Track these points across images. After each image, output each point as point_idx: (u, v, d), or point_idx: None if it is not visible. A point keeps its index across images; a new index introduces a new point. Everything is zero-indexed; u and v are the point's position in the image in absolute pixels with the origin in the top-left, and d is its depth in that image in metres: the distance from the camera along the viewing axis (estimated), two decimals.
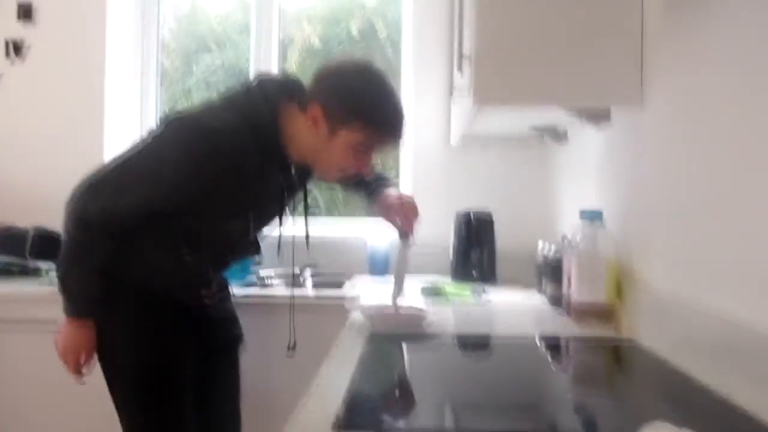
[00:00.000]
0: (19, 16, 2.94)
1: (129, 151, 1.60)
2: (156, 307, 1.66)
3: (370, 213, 1.95)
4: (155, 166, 1.54)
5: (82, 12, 2.95)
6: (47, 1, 2.96)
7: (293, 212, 1.80)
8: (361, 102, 1.56)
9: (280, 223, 1.75)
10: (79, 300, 1.62)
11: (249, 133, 1.54)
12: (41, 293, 2.30)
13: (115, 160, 1.59)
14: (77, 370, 1.66)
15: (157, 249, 1.64)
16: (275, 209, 1.73)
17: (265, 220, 1.76)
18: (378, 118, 1.56)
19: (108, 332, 1.65)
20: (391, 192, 1.87)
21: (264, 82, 1.64)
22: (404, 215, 1.80)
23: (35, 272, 2.61)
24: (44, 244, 2.67)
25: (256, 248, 1.84)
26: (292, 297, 1.96)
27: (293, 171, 1.69)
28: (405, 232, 1.79)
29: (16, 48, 2.95)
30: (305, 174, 1.74)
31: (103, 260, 1.59)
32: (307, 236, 1.83)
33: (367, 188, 1.91)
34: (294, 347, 1.89)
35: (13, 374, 2.31)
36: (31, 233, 2.69)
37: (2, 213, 2.85)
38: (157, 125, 1.61)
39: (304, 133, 1.59)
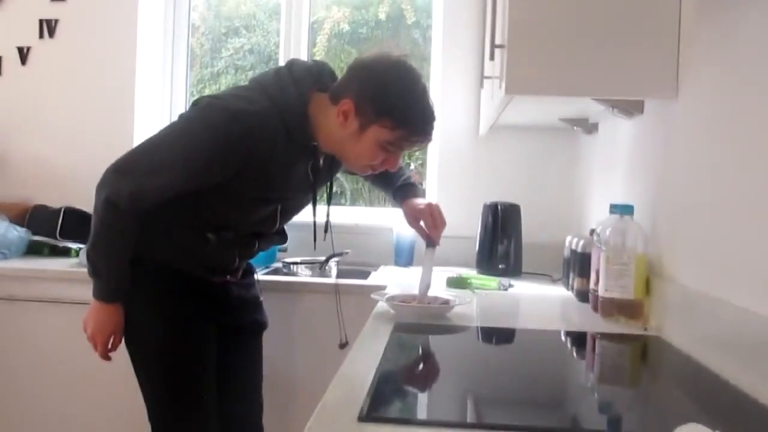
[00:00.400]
0: None
1: (159, 133, 1.61)
2: (181, 288, 1.68)
3: (395, 206, 1.95)
4: (185, 148, 1.54)
5: None
6: None
7: (318, 201, 1.80)
8: (393, 101, 1.55)
9: (314, 213, 1.75)
10: (109, 283, 1.64)
11: (277, 116, 1.55)
12: (71, 272, 2.33)
13: (145, 142, 1.60)
14: (105, 352, 1.68)
15: (183, 229, 1.66)
16: (303, 198, 1.74)
17: (293, 210, 1.77)
18: (409, 119, 1.56)
19: (133, 313, 1.67)
20: (419, 200, 1.87)
21: (294, 67, 1.64)
22: (433, 225, 1.81)
23: (65, 251, 2.65)
24: (74, 223, 2.71)
25: (283, 237, 1.86)
26: (338, 294, 1.95)
27: (321, 159, 1.69)
28: (432, 241, 1.81)
29: (50, 28, 2.97)
30: (334, 163, 1.75)
31: (132, 243, 1.61)
32: (327, 225, 1.84)
33: (392, 186, 1.93)
34: (345, 344, 1.89)
35: (43, 352, 2.35)
36: (61, 213, 2.73)
37: (33, 192, 2.90)
38: (187, 108, 1.62)
39: (333, 124, 1.59)
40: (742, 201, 1.19)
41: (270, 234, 1.80)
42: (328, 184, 1.82)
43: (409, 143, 1.60)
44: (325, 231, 1.84)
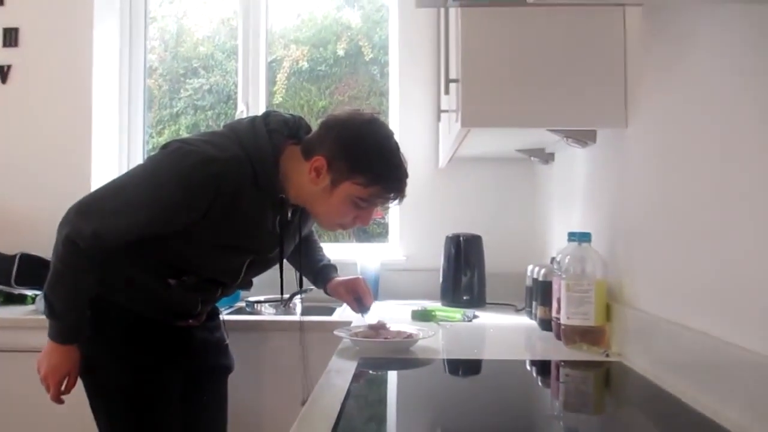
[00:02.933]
0: (5, 43, 2.93)
1: (125, 175, 1.61)
2: (142, 332, 1.65)
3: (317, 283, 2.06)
4: (151, 190, 1.53)
5: (68, 34, 2.94)
6: (32, 24, 2.95)
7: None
8: (366, 158, 1.55)
9: (281, 266, 1.72)
10: (66, 324, 1.60)
11: (248, 163, 1.53)
12: (27, 320, 2.28)
13: (110, 183, 1.59)
14: (57, 394, 1.63)
15: (144, 273, 1.63)
16: (271, 253, 1.70)
17: (261, 266, 1.75)
18: (383, 175, 1.56)
19: (94, 356, 1.63)
20: (339, 278, 2.00)
21: (271, 118, 1.63)
22: (368, 293, 1.94)
23: (21, 299, 2.58)
24: (30, 269, 2.64)
25: (248, 284, 1.84)
26: (303, 348, 1.96)
27: (289, 212, 1.68)
28: (366, 308, 1.94)
29: (2, 73, 2.93)
30: (303, 218, 1.75)
31: (91, 284, 1.58)
32: (300, 284, 1.87)
33: (314, 267, 2.01)
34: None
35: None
36: (16, 259, 2.67)
37: None
38: (154, 150, 1.60)
39: (305, 179, 1.58)
40: (695, 225, 1.22)
41: (234, 284, 1.77)
42: (298, 238, 1.79)
43: (382, 200, 1.60)
44: (300, 289, 1.88)
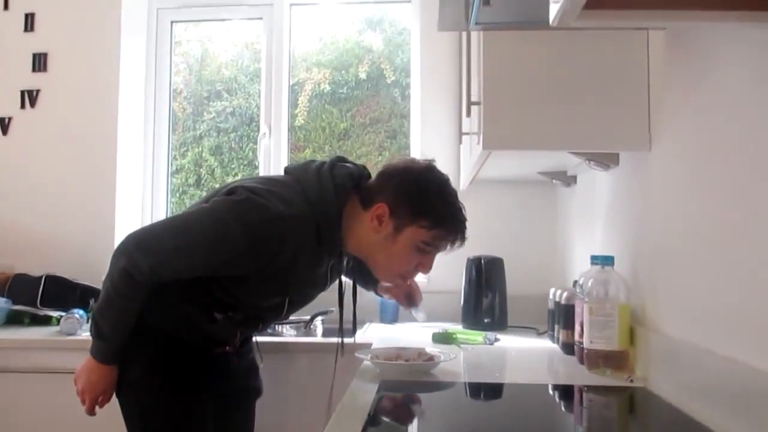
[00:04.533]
0: (34, 68, 3.00)
1: (188, 214, 1.63)
2: (181, 354, 1.68)
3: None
4: (214, 237, 1.54)
5: (95, 59, 3.00)
6: (61, 50, 3.02)
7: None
8: (428, 203, 1.59)
9: (340, 307, 1.80)
10: (109, 345, 1.64)
11: (312, 221, 1.56)
12: (52, 341, 2.30)
13: (171, 220, 1.65)
14: (92, 408, 1.67)
15: (192, 305, 1.66)
16: (316, 292, 1.77)
17: (302, 302, 1.80)
18: (447, 217, 1.60)
19: (132, 374, 1.66)
20: None
21: (336, 170, 1.64)
22: (414, 292, 1.98)
23: (46, 320, 2.60)
24: (56, 291, 2.67)
25: (285, 317, 1.86)
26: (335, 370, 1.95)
27: (345, 261, 1.72)
28: (415, 304, 1.99)
29: (31, 98, 3.00)
30: (356, 263, 1.79)
31: (138, 310, 1.61)
32: (354, 324, 1.91)
33: (361, 270, 1.97)
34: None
35: (25, 424, 2.29)
36: (42, 281, 2.70)
37: (14, 261, 2.87)
38: (219, 191, 1.62)
39: (366, 229, 1.61)
40: (720, 248, 1.21)
41: (275, 318, 1.83)
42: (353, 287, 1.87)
43: (444, 243, 1.62)
44: (354, 329, 1.95)
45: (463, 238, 1.65)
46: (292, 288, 1.66)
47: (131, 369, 1.66)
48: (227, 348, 1.78)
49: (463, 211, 1.65)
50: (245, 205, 1.53)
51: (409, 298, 1.97)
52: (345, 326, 1.89)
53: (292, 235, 1.53)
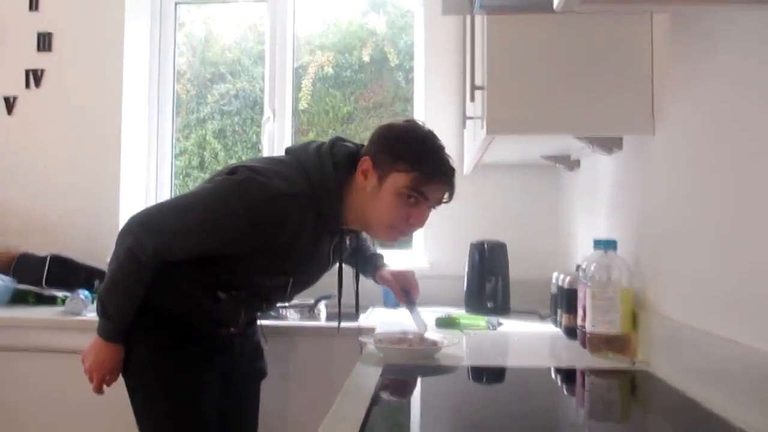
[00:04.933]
0: (39, 47, 2.99)
1: (191, 194, 1.65)
2: (185, 334, 1.70)
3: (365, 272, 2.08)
4: (217, 216, 1.56)
5: (100, 39, 3.01)
6: (65, 30, 3.01)
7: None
8: (408, 147, 1.60)
9: (339, 291, 1.81)
10: (114, 324, 1.66)
11: (313, 199, 1.58)
12: (57, 321, 2.31)
13: (175, 200, 1.67)
14: (100, 387, 1.70)
15: (195, 285, 1.68)
16: (318, 273, 1.78)
17: (306, 284, 1.81)
18: (423, 159, 1.59)
19: (138, 354, 1.69)
20: (390, 268, 2.05)
21: (336, 149, 1.65)
22: (415, 287, 1.98)
23: (51, 300, 2.62)
24: (60, 271, 2.69)
25: (289, 298, 1.87)
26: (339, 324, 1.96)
27: (347, 240, 1.73)
28: (411, 301, 1.97)
29: (36, 77, 3.00)
30: (358, 239, 1.83)
31: (144, 290, 1.64)
32: (357, 300, 1.89)
33: (363, 256, 2.03)
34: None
35: (30, 402, 2.31)
36: (47, 261, 2.71)
37: (19, 240, 2.88)
38: (222, 171, 1.64)
39: (358, 191, 1.62)
40: (722, 232, 1.21)
41: (278, 299, 1.86)
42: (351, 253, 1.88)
43: (427, 187, 1.60)
44: (357, 309, 1.92)
45: (448, 184, 1.63)
46: (295, 266, 1.67)
47: (136, 349, 1.69)
48: (232, 330, 1.79)
49: (447, 157, 1.64)
50: (247, 183, 1.55)
51: (407, 295, 1.96)
52: (348, 310, 1.90)
53: (293, 213, 1.54)
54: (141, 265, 1.59)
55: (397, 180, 1.58)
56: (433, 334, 1.81)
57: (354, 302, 1.90)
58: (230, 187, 1.57)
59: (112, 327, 1.66)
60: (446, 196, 1.65)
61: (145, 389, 1.69)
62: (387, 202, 1.59)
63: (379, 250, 2.18)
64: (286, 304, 2.52)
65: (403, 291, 1.98)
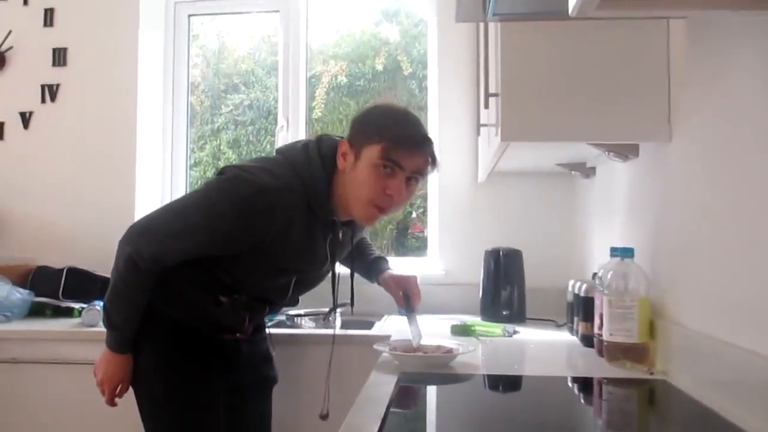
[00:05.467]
0: (54, 62, 3.03)
1: (183, 198, 1.68)
2: (190, 343, 1.71)
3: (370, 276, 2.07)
4: (207, 217, 1.58)
5: (114, 54, 3.02)
6: (79, 44, 3.04)
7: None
8: (377, 120, 1.62)
9: (333, 287, 1.79)
10: (121, 335, 1.68)
11: (301, 191, 1.59)
12: (74, 333, 2.32)
13: (169, 206, 1.68)
14: (112, 398, 1.72)
15: (196, 289, 1.69)
16: (319, 272, 1.76)
17: (309, 284, 1.80)
18: (394, 130, 1.58)
19: (143, 363, 1.70)
20: (393, 272, 2.03)
21: (323, 144, 1.67)
22: (417, 293, 1.96)
23: (68, 312, 2.63)
24: (77, 283, 2.70)
25: (295, 302, 1.87)
26: (330, 366, 1.95)
27: (340, 233, 1.72)
28: (411, 308, 1.93)
29: (51, 92, 3.03)
30: (354, 235, 1.80)
31: (147, 298, 1.66)
32: (352, 296, 1.88)
33: (366, 260, 2.03)
34: (326, 416, 1.87)
35: (47, 414, 2.32)
36: (63, 273, 2.73)
37: (35, 254, 2.91)
38: (213, 175, 1.66)
39: (339, 176, 1.62)
40: (741, 241, 1.20)
41: (282, 302, 1.83)
42: (349, 253, 1.86)
43: (401, 156, 1.56)
44: (352, 304, 1.89)
45: (420, 150, 1.59)
46: (291, 264, 1.67)
47: (141, 357, 1.70)
48: (238, 335, 1.79)
49: (419, 126, 1.63)
50: (234, 181, 1.57)
51: (407, 301, 1.94)
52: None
53: (281, 206, 1.55)
54: (141, 273, 1.61)
55: (371, 153, 1.57)
56: (448, 341, 1.80)
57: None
58: (218, 186, 1.60)
59: (118, 337, 1.68)
60: (425, 165, 1.62)
61: (152, 398, 1.70)
62: (363, 177, 1.58)
63: (392, 258, 2.17)
64: (301, 312, 2.52)
65: (404, 297, 1.96)
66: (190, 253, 1.61)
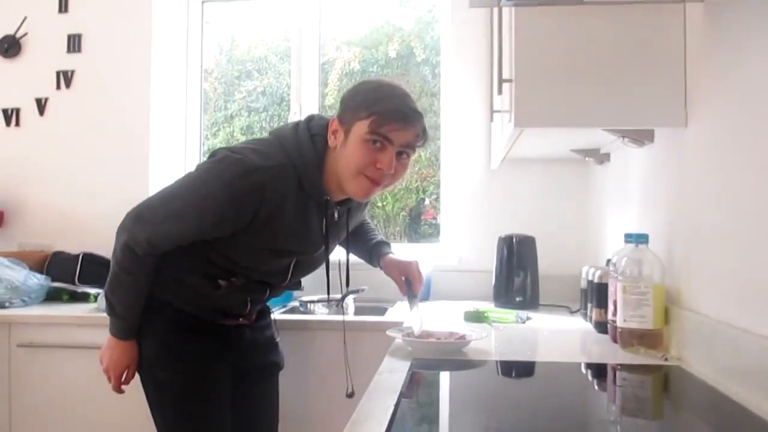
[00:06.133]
0: (69, 49, 3.04)
1: (176, 183, 1.66)
2: (193, 329, 1.72)
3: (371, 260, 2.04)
4: (199, 199, 1.58)
5: (128, 40, 3.04)
6: (94, 31, 3.05)
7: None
8: (364, 96, 1.60)
9: (327, 270, 1.78)
10: (124, 322, 1.69)
11: (292, 170, 1.58)
12: (90, 318, 2.35)
13: (162, 191, 1.66)
14: (118, 385, 1.73)
15: (194, 275, 1.69)
16: (317, 254, 1.75)
17: (307, 267, 1.79)
18: (380, 104, 1.57)
19: (147, 351, 1.72)
20: (395, 256, 1.98)
21: (313, 122, 1.67)
22: (418, 279, 1.92)
23: (84, 297, 2.66)
24: (93, 269, 2.73)
25: (297, 285, 1.87)
26: (344, 344, 1.94)
27: (335, 214, 1.71)
28: (413, 294, 1.90)
29: (66, 79, 3.04)
30: (350, 217, 1.78)
31: (146, 284, 1.67)
32: (348, 273, 1.85)
33: (367, 244, 2.01)
34: (352, 395, 1.87)
35: (63, 397, 2.35)
36: (79, 259, 2.76)
37: (52, 240, 2.94)
38: (203, 158, 1.65)
39: (331, 154, 1.62)
40: (757, 227, 1.19)
41: (282, 285, 1.81)
42: (346, 235, 1.83)
43: (389, 130, 1.55)
44: (348, 281, 1.84)
45: (408, 123, 1.57)
46: (286, 245, 1.65)
47: (144, 346, 1.72)
48: (240, 320, 1.80)
49: (409, 102, 1.61)
50: (223, 163, 1.57)
51: (409, 286, 1.91)
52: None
53: (270, 184, 1.54)
54: (138, 259, 1.61)
55: (360, 129, 1.56)
56: (461, 327, 1.80)
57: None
58: (208, 168, 1.60)
59: (120, 324, 1.70)
60: (415, 139, 1.60)
61: (157, 385, 1.71)
62: (353, 151, 1.57)
63: (405, 245, 2.16)
64: (314, 299, 2.53)
65: (406, 282, 1.93)
66: (184, 236, 1.61)
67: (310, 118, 1.69)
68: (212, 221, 1.57)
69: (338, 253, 1.85)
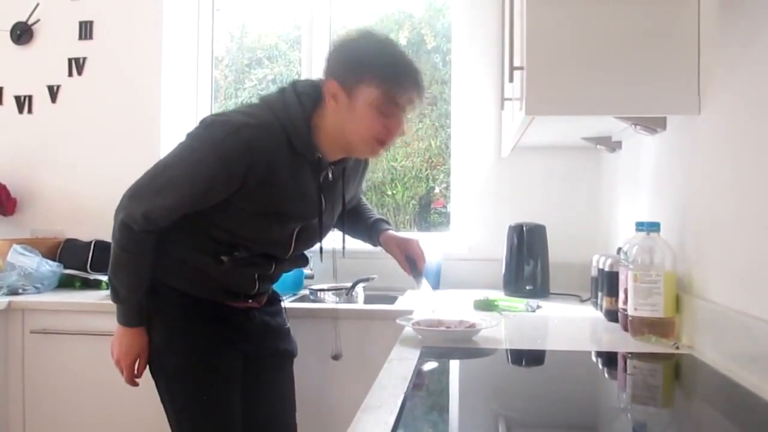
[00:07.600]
0: (80, 36, 3.05)
1: (168, 154, 1.64)
2: (200, 314, 1.70)
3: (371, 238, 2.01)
4: (190, 165, 1.57)
5: (139, 27, 3.05)
6: (106, 18, 3.06)
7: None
8: (368, 58, 1.57)
9: (320, 233, 1.75)
10: (129, 308, 1.67)
11: (279, 128, 1.57)
12: (102, 305, 2.36)
13: (156, 164, 1.64)
14: (131, 377, 1.71)
15: (196, 253, 1.67)
16: (313, 217, 1.71)
17: (309, 238, 1.76)
18: (391, 73, 1.56)
19: (154, 339, 1.69)
20: (394, 233, 1.96)
21: (298, 84, 1.66)
22: (421, 257, 1.91)
23: (96, 284, 2.68)
24: (105, 256, 2.69)
25: (303, 260, 1.86)
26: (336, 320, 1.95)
27: (330, 173, 1.69)
28: (418, 272, 1.90)
29: (78, 65, 3.05)
30: (348, 182, 1.77)
31: (149, 264, 1.64)
32: (344, 245, 1.85)
33: (366, 222, 1.98)
34: (338, 357, 1.88)
35: (76, 384, 2.37)
36: (92, 246, 2.78)
37: (64, 227, 2.96)
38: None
39: (330, 115, 1.60)
40: None
41: (285, 257, 1.78)
42: (341, 204, 1.80)
43: (401, 98, 1.57)
44: (343, 253, 1.85)
45: (418, 88, 1.60)
46: (284, 208, 1.64)
47: (154, 334, 1.69)
48: (250, 302, 1.79)
49: (408, 58, 1.61)
50: (211, 128, 1.57)
51: (412, 265, 1.91)
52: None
53: (258, 142, 1.53)
54: (136, 236, 1.59)
55: (368, 95, 1.56)
56: (471, 316, 1.80)
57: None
58: (196, 134, 1.59)
59: (125, 310, 1.67)
60: (418, 98, 1.62)
61: (166, 374, 1.69)
62: (364, 118, 1.57)
63: (415, 233, 2.16)
64: (325, 287, 2.53)
65: (408, 260, 1.92)
66: (178, 206, 1.59)
67: (294, 82, 1.68)
68: (204, 188, 1.56)
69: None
